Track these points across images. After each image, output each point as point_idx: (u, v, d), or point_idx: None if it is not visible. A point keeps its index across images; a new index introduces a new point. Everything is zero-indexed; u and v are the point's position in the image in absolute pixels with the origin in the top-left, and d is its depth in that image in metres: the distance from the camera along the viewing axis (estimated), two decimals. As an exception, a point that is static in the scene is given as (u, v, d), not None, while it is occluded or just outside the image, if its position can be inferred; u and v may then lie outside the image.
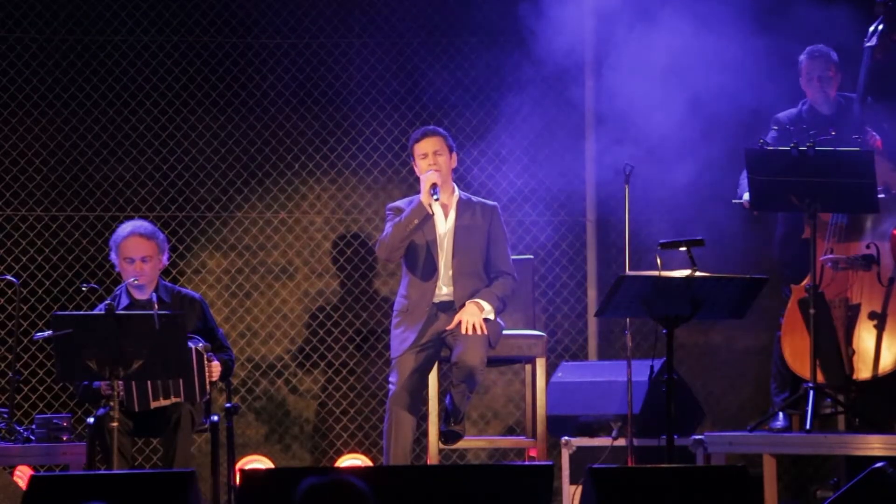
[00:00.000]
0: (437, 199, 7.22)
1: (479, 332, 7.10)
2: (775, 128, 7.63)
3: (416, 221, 7.22)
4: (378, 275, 9.04)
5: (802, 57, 7.73)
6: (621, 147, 8.42)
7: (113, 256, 7.32)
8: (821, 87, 7.68)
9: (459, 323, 7.15)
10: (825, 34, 7.83)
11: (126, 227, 7.29)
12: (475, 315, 7.14)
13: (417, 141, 7.36)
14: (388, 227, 7.32)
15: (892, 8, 7.63)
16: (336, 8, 9.07)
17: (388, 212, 7.42)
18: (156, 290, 7.22)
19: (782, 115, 7.81)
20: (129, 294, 7.25)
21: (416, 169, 7.44)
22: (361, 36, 9.07)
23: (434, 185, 7.22)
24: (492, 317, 7.22)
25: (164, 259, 7.34)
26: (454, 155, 7.41)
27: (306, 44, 9.05)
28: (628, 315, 7.35)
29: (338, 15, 9.07)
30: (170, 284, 7.44)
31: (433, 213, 7.28)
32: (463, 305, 7.22)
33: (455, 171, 7.47)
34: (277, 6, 9.04)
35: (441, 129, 7.45)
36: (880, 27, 7.62)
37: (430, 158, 7.32)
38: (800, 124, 7.63)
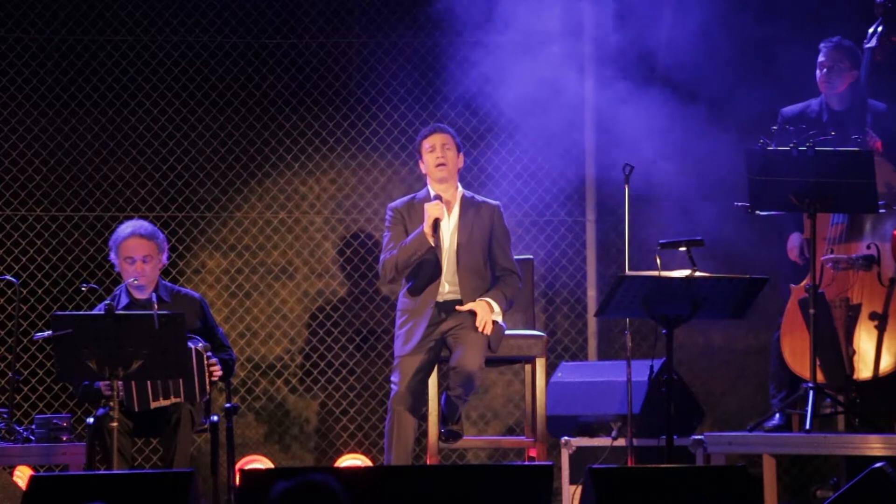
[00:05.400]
0: (436, 240, 7.22)
1: (487, 331, 7.10)
2: (779, 122, 7.64)
3: (419, 253, 7.21)
4: (378, 275, 9.04)
5: (820, 46, 7.69)
6: (621, 147, 8.42)
7: (112, 256, 7.32)
8: (829, 76, 7.64)
9: (460, 324, 7.15)
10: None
11: (126, 228, 7.29)
12: (488, 313, 7.15)
13: (426, 136, 7.36)
14: (387, 239, 7.32)
15: (892, 9, 7.63)
16: (336, 8, 9.07)
17: (388, 211, 7.42)
18: (156, 290, 7.22)
19: (787, 109, 7.80)
20: (128, 293, 7.25)
21: (421, 166, 7.44)
22: (361, 36, 9.07)
23: (437, 220, 7.22)
24: (499, 319, 7.22)
25: (164, 258, 7.35)
26: (461, 155, 7.42)
27: (306, 44, 9.05)
28: (628, 315, 7.35)
29: (338, 15, 9.07)
30: (170, 284, 7.45)
31: (436, 245, 7.26)
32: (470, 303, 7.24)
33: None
34: (277, 6, 9.04)
35: (450, 128, 7.45)
36: (880, 28, 7.62)
37: (438, 151, 7.31)
38: (808, 118, 7.63)
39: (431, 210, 7.22)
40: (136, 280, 7.17)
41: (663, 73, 8.60)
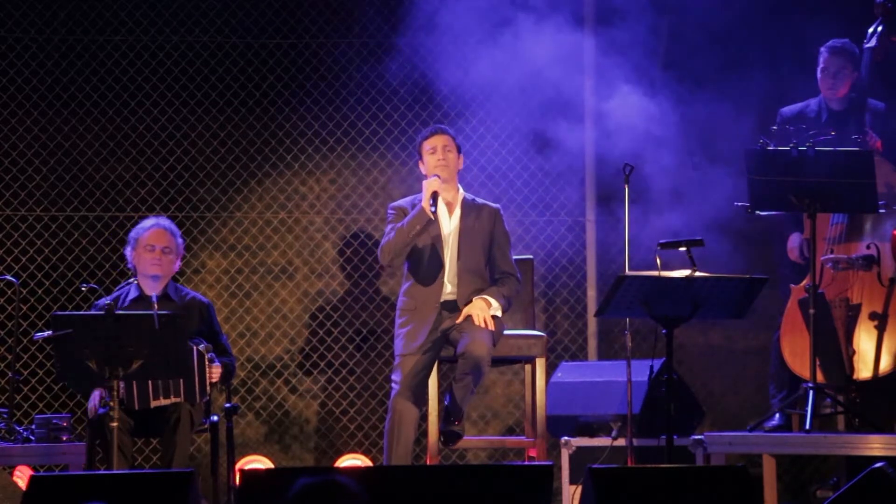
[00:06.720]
0: (434, 212, 7.21)
1: (489, 326, 7.10)
2: (778, 122, 7.65)
3: (418, 227, 7.21)
4: (378, 274, 9.04)
5: (823, 49, 7.69)
6: (621, 147, 8.42)
7: (128, 251, 7.32)
8: (833, 83, 7.65)
9: (467, 316, 7.15)
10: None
11: (150, 220, 7.40)
12: (484, 309, 7.15)
13: (427, 137, 7.37)
14: (389, 229, 7.31)
15: (892, 9, 7.63)
16: (336, 8, 9.07)
17: (389, 211, 7.42)
18: (165, 289, 7.24)
19: (786, 109, 7.80)
20: (139, 288, 7.27)
21: (421, 167, 7.44)
22: (361, 36, 9.07)
23: (434, 194, 7.22)
24: (499, 313, 7.23)
25: (177, 264, 7.38)
26: (461, 157, 7.43)
27: (306, 44, 9.05)
28: (628, 315, 7.35)
29: (338, 15, 9.07)
30: (180, 286, 7.46)
31: (434, 219, 7.26)
32: (467, 303, 7.23)
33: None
34: (277, 6, 9.04)
35: (451, 130, 7.46)
36: (879, 28, 7.62)
37: (440, 153, 7.32)
38: (807, 118, 7.63)
39: (429, 184, 7.22)
40: (134, 280, 7.19)
41: (665, 70, 8.61)
